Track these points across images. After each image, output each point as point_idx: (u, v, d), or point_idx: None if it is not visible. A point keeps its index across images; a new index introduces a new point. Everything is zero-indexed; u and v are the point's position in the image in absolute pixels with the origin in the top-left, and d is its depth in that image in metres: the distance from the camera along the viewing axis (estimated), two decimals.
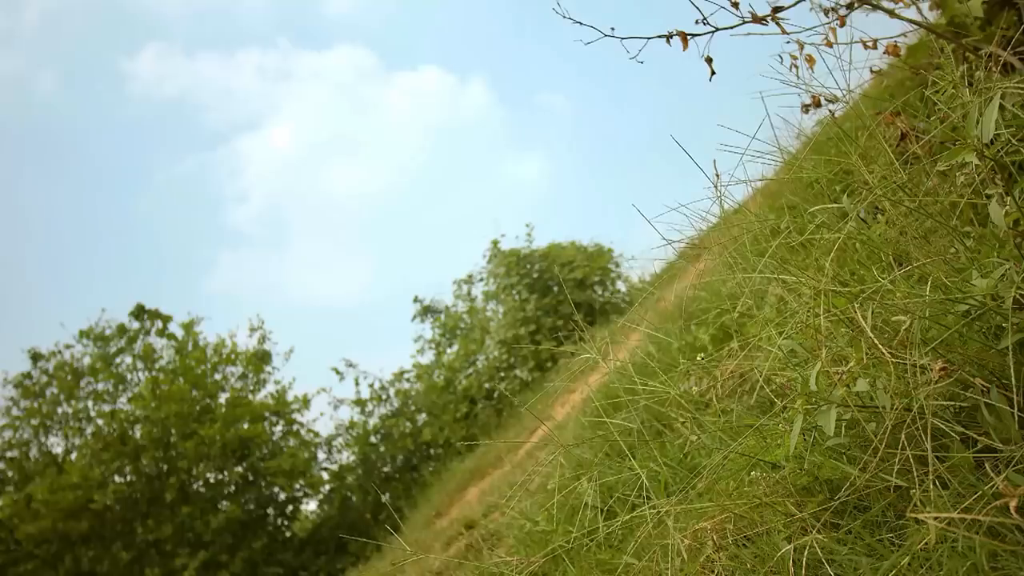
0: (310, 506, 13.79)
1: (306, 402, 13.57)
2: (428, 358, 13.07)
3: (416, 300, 13.35)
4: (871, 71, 2.24)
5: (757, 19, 1.83)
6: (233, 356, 13.81)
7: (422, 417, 12.25)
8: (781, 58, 2.15)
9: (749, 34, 1.87)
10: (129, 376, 13.64)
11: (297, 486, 13.33)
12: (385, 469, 12.47)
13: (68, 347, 13.47)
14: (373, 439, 12.67)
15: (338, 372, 12.90)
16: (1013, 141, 1.10)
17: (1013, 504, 0.73)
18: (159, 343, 13.79)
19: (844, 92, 2.25)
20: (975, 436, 0.84)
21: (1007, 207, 1.07)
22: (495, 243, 11.46)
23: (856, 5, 1.86)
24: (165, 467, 12.61)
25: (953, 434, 0.87)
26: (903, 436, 0.89)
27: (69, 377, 13.12)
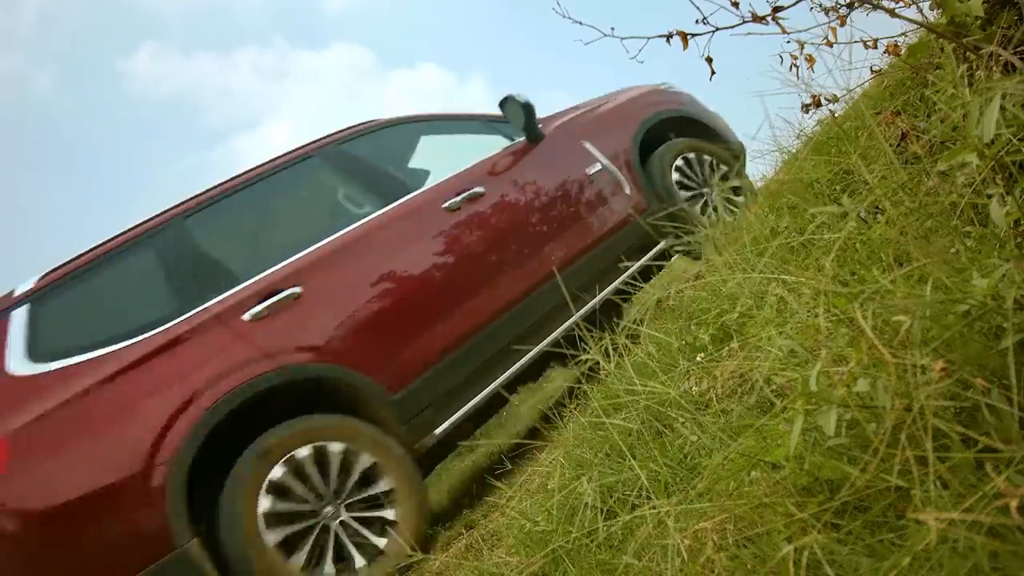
0: None
1: None
2: None
3: None
4: (871, 71, 2.25)
5: (757, 19, 1.83)
6: None
7: None
8: (781, 58, 2.15)
9: (749, 34, 1.87)
10: None
11: None
12: None
13: None
14: None
15: None
16: (1014, 141, 1.10)
17: (1014, 504, 0.73)
18: None
19: (844, 92, 2.25)
20: (976, 436, 0.84)
21: (1007, 207, 1.07)
22: None
23: (856, 5, 1.86)
24: None
25: (953, 434, 0.87)
26: (903, 436, 0.89)
27: None
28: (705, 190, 3.98)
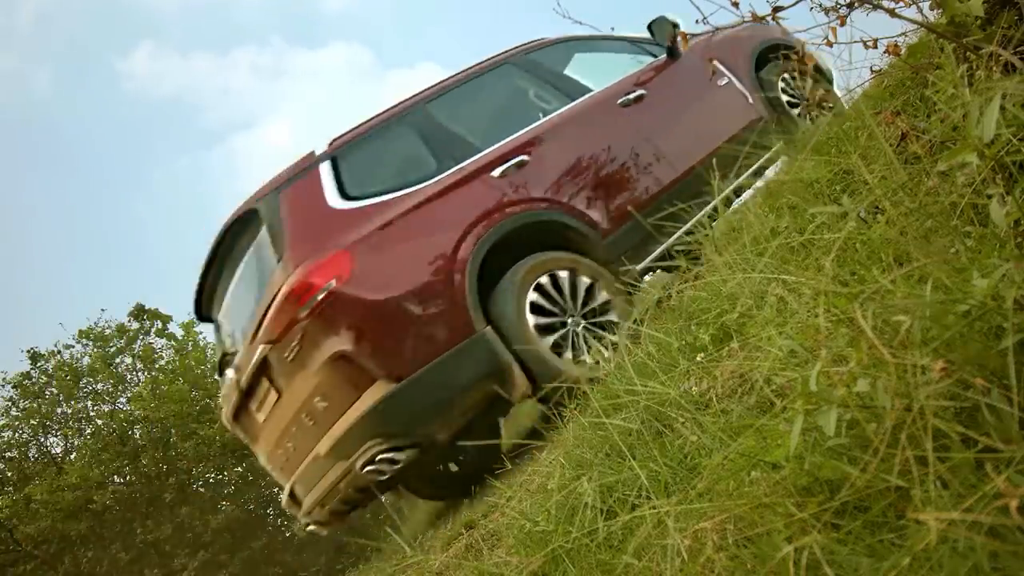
0: None
1: None
2: None
3: None
4: (871, 71, 2.25)
5: (757, 18, 1.83)
6: None
7: None
8: (781, 58, 2.15)
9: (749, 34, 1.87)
10: (129, 376, 13.62)
11: None
12: None
13: (68, 347, 13.46)
14: None
15: None
16: (1014, 141, 1.10)
17: (1014, 504, 0.73)
18: (159, 343, 13.77)
19: (844, 92, 2.25)
20: (976, 436, 0.84)
21: (1007, 207, 1.07)
22: None
23: (856, 5, 1.86)
24: (165, 467, 12.59)
25: (953, 434, 0.87)
26: (903, 436, 0.89)
27: (68, 377, 13.09)
28: (804, 102, 4.84)
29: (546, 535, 1.76)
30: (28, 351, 13.14)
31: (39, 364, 13.14)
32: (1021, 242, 1.09)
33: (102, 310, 17.48)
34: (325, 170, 3.73)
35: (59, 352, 13.30)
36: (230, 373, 3.86)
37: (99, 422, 12.99)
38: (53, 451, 13.18)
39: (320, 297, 3.23)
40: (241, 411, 3.91)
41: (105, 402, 13.20)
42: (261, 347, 3.47)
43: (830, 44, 1.99)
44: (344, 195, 3.63)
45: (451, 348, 3.27)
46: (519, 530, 1.93)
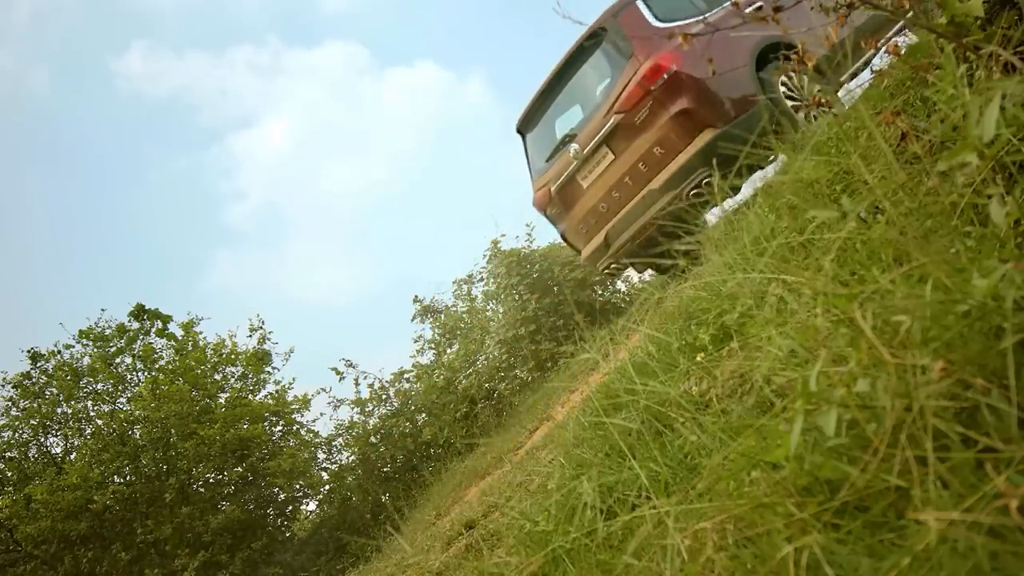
0: (310, 506, 13.77)
1: (306, 402, 13.55)
2: (428, 358, 13.05)
3: (416, 300, 13.34)
4: (871, 71, 2.25)
5: (757, 19, 1.83)
6: (233, 356, 13.79)
7: (422, 417, 12.23)
8: (781, 58, 2.15)
9: (750, 34, 1.87)
10: (129, 376, 13.60)
11: (297, 486, 13.30)
12: (385, 469, 12.45)
13: (68, 347, 13.43)
14: (373, 439, 12.64)
15: (338, 372, 12.88)
16: (1014, 141, 1.10)
17: (1014, 504, 0.73)
18: (159, 343, 13.75)
19: (844, 92, 2.24)
20: (976, 436, 0.84)
21: (1007, 207, 1.07)
22: (495, 243, 11.43)
23: (856, 5, 1.86)
24: (165, 467, 12.58)
25: (953, 434, 0.87)
26: (903, 436, 0.89)
27: (68, 377, 13.08)
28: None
29: (546, 535, 1.76)
30: (28, 351, 13.11)
31: (39, 364, 13.11)
32: (1021, 242, 1.09)
33: (102, 310, 17.45)
34: (641, 4, 5.68)
35: (59, 352, 13.26)
36: (574, 146, 5.74)
37: (99, 422, 12.97)
38: (53, 451, 13.16)
39: (667, 76, 5.17)
40: (565, 184, 5.92)
41: (105, 402, 13.18)
42: (615, 116, 5.38)
43: (831, 43, 1.99)
44: (657, 19, 5.58)
45: (749, 109, 5.03)
46: (519, 530, 1.93)
